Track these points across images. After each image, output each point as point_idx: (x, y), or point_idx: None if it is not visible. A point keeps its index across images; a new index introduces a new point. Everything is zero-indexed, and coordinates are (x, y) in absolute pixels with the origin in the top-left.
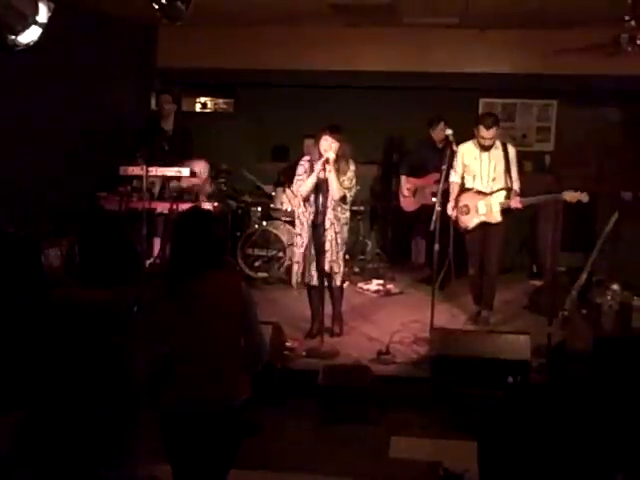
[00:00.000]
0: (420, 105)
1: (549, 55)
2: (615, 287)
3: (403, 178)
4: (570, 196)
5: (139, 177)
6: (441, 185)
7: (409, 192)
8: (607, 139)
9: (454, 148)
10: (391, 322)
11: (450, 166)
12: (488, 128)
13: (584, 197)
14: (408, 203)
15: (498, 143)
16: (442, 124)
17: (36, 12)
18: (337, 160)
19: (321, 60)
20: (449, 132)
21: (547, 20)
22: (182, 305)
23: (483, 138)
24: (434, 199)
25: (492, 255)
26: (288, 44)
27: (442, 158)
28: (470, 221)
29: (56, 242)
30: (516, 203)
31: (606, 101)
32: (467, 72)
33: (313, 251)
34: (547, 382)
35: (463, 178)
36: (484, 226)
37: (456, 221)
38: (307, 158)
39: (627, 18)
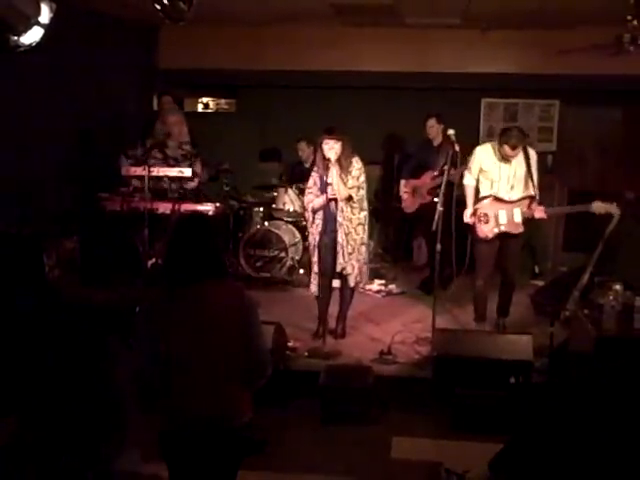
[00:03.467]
0: (422, 105)
1: (551, 55)
2: (617, 287)
3: (402, 182)
4: (599, 207)
5: (141, 177)
6: (443, 186)
7: (407, 194)
8: (609, 139)
9: (456, 148)
10: (393, 322)
11: (452, 166)
12: (514, 148)
13: (614, 209)
14: (408, 204)
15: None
16: (433, 120)
17: (38, 13)
18: (339, 159)
19: (323, 60)
20: (451, 132)
21: (549, 20)
22: (178, 315)
23: (506, 154)
24: (436, 199)
25: (511, 265)
26: (290, 44)
27: (438, 156)
28: (490, 231)
29: (58, 243)
30: (540, 213)
31: (608, 101)
32: (469, 72)
33: (315, 258)
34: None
35: (478, 181)
36: (503, 236)
37: (473, 228)
38: (316, 168)
39: (629, 18)
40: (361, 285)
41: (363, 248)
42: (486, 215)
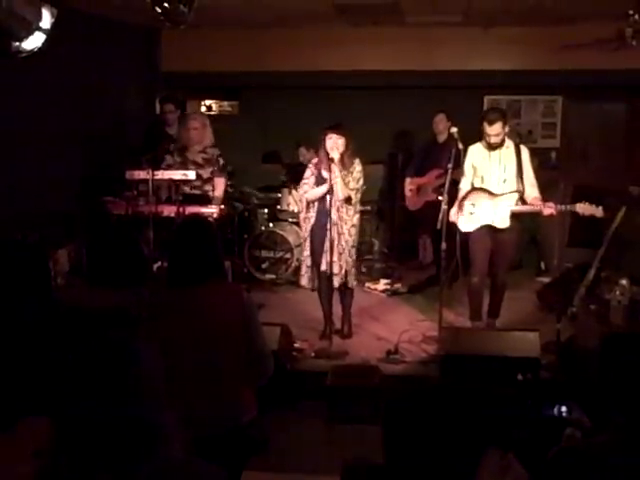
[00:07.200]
0: (425, 104)
1: (553, 51)
2: (624, 282)
3: (407, 180)
4: (582, 208)
5: (145, 181)
6: (447, 184)
7: (412, 192)
8: (613, 134)
9: (459, 146)
10: (399, 321)
11: (456, 164)
12: (491, 123)
13: (598, 212)
14: (412, 202)
15: (510, 143)
16: (442, 115)
17: (39, 18)
18: (342, 157)
19: (325, 61)
20: (454, 130)
21: (551, 16)
22: (180, 317)
23: (488, 135)
24: (440, 198)
25: (503, 264)
26: (292, 45)
27: (442, 154)
28: (474, 221)
29: (63, 247)
30: (550, 210)
31: (611, 96)
32: (471, 70)
33: (307, 252)
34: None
35: (472, 184)
36: (493, 232)
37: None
38: (315, 161)
39: (631, 12)
40: (349, 285)
41: (353, 250)
42: (472, 205)
